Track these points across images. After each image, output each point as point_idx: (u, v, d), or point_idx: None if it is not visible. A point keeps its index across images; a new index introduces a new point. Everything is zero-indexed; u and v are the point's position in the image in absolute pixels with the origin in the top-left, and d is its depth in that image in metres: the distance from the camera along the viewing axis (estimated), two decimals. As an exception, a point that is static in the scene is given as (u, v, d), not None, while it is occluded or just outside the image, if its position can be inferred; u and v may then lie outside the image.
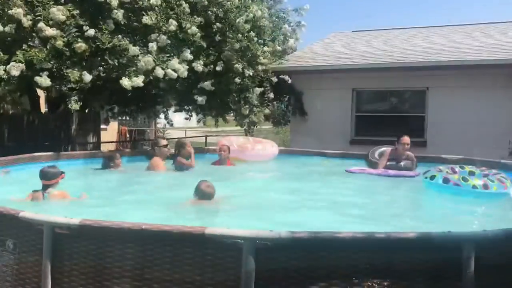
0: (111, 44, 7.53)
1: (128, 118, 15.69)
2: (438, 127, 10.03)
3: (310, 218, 3.92)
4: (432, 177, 5.36)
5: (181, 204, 4.54)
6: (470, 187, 5.05)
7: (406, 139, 6.89)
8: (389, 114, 11.05)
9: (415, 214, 4.70)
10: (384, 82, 10.77)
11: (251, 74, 9.48)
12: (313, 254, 2.65)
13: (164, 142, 7.45)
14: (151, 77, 7.91)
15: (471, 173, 5.45)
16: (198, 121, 12.04)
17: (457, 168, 5.62)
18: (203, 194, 4.45)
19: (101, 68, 7.76)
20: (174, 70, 7.98)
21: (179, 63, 8.18)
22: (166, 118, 12.29)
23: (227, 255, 2.64)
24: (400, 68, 10.27)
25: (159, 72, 7.80)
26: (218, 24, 9.06)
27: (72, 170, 5.99)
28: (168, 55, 8.22)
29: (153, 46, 7.79)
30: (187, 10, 8.55)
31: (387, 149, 7.22)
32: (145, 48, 7.90)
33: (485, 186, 5.04)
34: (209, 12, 8.95)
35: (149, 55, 7.75)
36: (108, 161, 7.00)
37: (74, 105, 7.79)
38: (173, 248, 2.73)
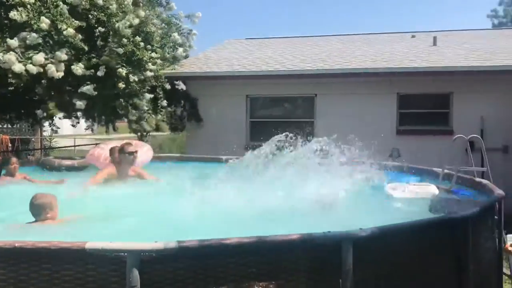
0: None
1: (9, 125, 14.52)
2: (326, 132, 10.54)
3: (200, 225, 3.87)
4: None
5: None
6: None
7: None
8: (282, 120, 11.42)
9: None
10: (276, 89, 11.13)
11: (136, 79, 9.28)
12: (201, 262, 2.64)
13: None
14: (11, 75, 7.42)
15: None
16: (86, 128, 11.50)
17: None
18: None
19: None
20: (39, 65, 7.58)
21: (47, 59, 7.79)
22: (50, 125, 11.41)
23: (110, 269, 2.54)
24: (290, 75, 10.69)
25: (17, 67, 7.34)
26: (100, 28, 8.79)
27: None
28: (36, 51, 7.79)
29: (12, 43, 7.34)
30: (65, 11, 8.19)
31: None
32: (4, 45, 7.42)
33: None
34: (90, 16, 8.66)
35: (11, 52, 7.27)
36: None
37: None
38: (51, 265, 2.56)
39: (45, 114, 9.96)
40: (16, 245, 2.54)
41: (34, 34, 7.61)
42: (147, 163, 7.14)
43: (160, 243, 2.55)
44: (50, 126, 11.18)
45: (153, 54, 9.87)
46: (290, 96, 11.46)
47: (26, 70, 7.48)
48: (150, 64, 9.70)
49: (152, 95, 9.88)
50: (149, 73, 9.73)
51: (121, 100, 9.33)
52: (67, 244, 2.53)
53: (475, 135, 6.29)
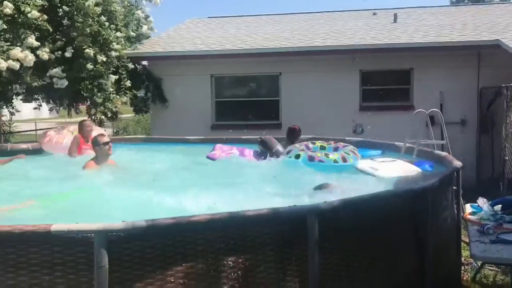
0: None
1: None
2: (291, 110, 10.63)
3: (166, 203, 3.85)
4: (297, 156, 5.72)
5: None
6: (332, 162, 5.56)
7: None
8: (247, 99, 11.43)
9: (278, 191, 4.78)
10: (240, 68, 11.09)
11: (104, 59, 9.08)
12: (169, 240, 2.65)
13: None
14: None
15: (322, 147, 5.98)
16: (50, 110, 11.19)
17: (310, 145, 6.08)
18: None
19: None
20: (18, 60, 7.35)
21: (22, 51, 7.53)
22: (8, 108, 10.87)
23: (78, 251, 2.52)
24: (254, 54, 10.66)
25: (2, 65, 7.12)
26: (64, 7, 8.50)
27: None
28: (8, 43, 7.52)
29: None
30: None
31: None
32: None
33: (344, 159, 5.62)
34: None
35: None
36: None
37: None
38: (15, 249, 2.52)
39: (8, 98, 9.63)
40: (-22, 230, 2.48)
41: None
42: None
43: (128, 222, 2.55)
44: (7, 108, 10.60)
45: (118, 34, 9.63)
46: (254, 75, 11.45)
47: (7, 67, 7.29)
48: (115, 44, 9.46)
49: (116, 76, 9.67)
50: (113, 53, 9.51)
51: (87, 82, 9.11)
52: (31, 227, 2.50)
53: (435, 109, 6.48)
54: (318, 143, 6.16)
